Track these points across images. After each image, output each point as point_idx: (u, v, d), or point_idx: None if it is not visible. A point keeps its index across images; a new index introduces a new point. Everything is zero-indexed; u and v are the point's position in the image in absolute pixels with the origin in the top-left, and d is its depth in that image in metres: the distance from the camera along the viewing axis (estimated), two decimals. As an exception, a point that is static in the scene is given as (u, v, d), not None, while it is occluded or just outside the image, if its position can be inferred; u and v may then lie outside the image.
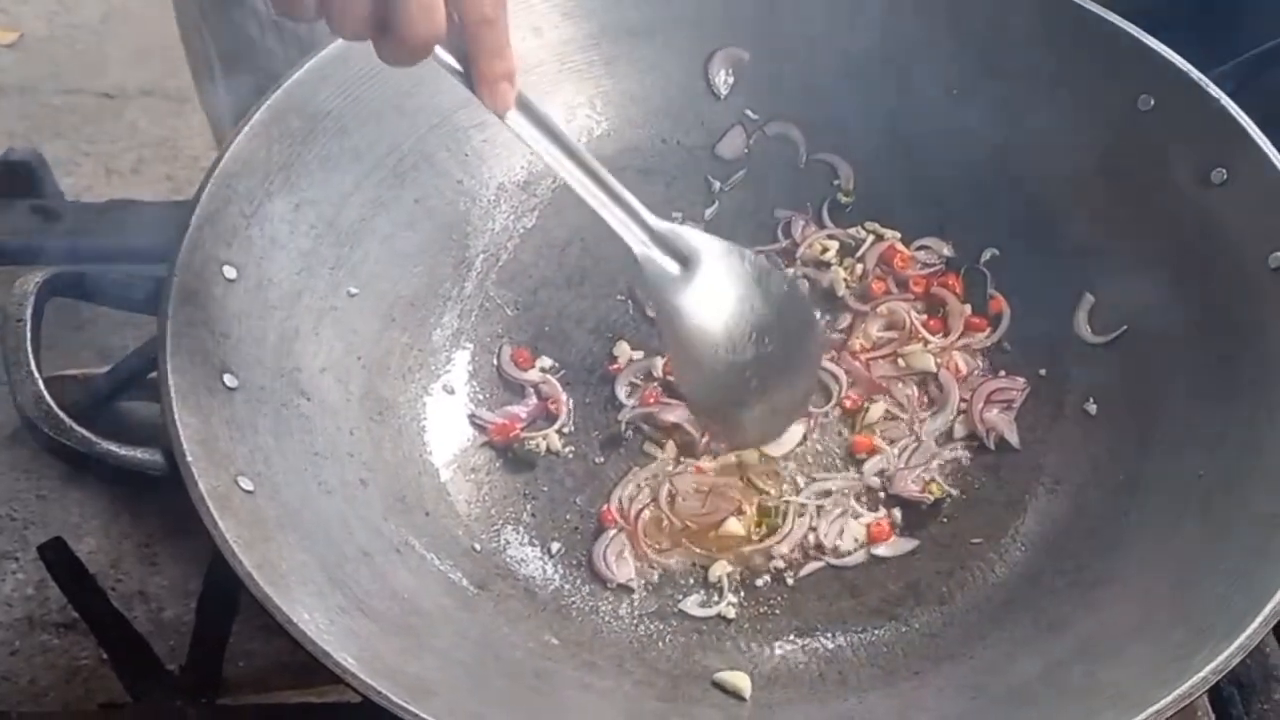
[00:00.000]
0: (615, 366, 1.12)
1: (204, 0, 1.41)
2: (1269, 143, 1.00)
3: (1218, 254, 1.02)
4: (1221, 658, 0.78)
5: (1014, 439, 1.08)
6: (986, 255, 1.17)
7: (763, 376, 0.98)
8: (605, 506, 1.04)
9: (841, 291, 1.17)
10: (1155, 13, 1.09)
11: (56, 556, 0.97)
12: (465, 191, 1.13)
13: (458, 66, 0.80)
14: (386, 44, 0.76)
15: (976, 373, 1.12)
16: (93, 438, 0.83)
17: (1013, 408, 1.09)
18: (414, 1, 0.73)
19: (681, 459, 1.07)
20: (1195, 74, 1.04)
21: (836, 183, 1.21)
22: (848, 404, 1.10)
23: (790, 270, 1.18)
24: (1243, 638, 0.79)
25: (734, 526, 1.03)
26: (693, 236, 0.94)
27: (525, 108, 0.85)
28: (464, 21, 0.77)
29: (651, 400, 1.10)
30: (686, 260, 0.94)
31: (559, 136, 0.87)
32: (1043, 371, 1.11)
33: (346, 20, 0.75)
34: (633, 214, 0.92)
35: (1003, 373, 1.12)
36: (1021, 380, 1.11)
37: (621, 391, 1.11)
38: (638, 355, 1.13)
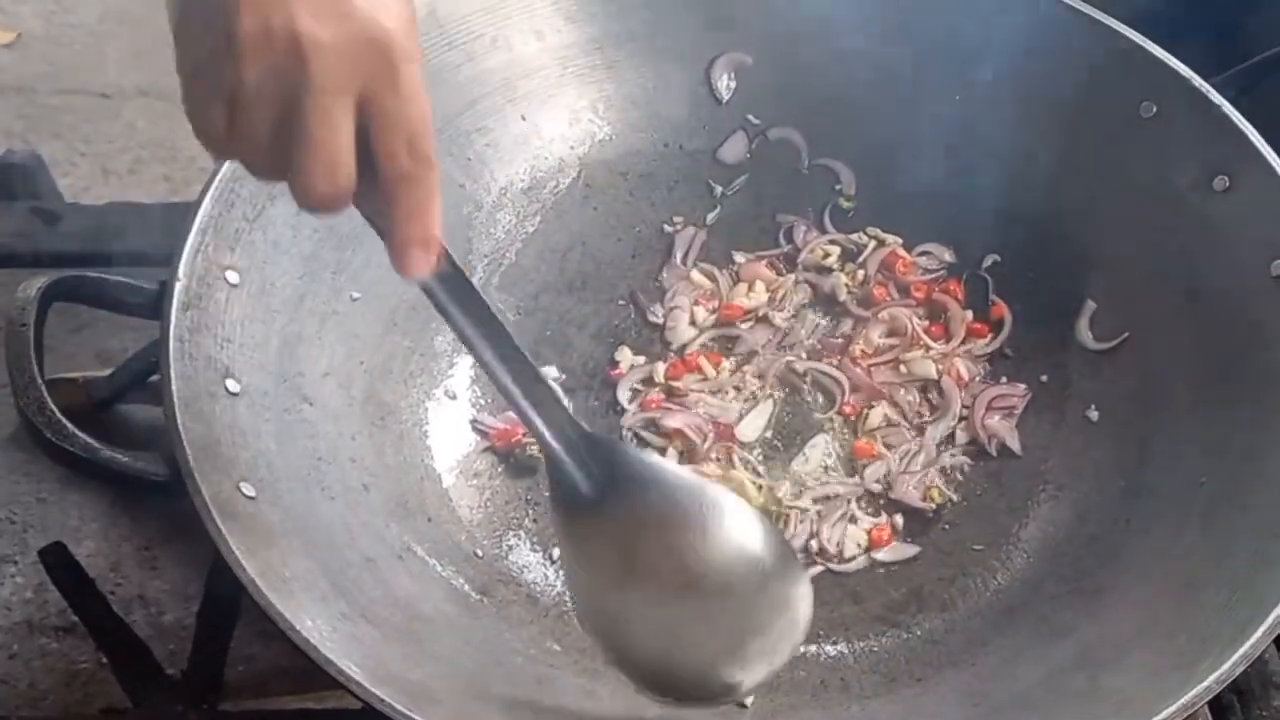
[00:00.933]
0: (617, 371, 1.12)
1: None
2: (1271, 150, 1.00)
3: (1219, 261, 1.02)
4: (1225, 667, 0.78)
5: (1015, 446, 1.08)
6: (988, 261, 1.17)
7: (696, 634, 0.80)
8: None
9: (843, 296, 1.17)
10: (1157, 19, 1.09)
11: (56, 560, 0.97)
12: (467, 196, 1.13)
13: (375, 222, 0.71)
14: (293, 194, 0.67)
15: (978, 379, 1.12)
16: (95, 443, 0.82)
17: (1014, 414, 1.09)
18: (316, 160, 0.64)
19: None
20: (1197, 81, 1.04)
21: (838, 187, 1.22)
22: (847, 410, 1.10)
23: (792, 276, 1.18)
24: (1246, 646, 0.79)
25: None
26: (628, 455, 0.81)
27: (446, 280, 0.74)
28: (381, 176, 0.66)
29: (653, 405, 1.09)
30: (606, 481, 0.79)
31: (482, 315, 0.76)
32: (1044, 378, 1.11)
33: (253, 167, 0.67)
34: (554, 413, 0.78)
35: (1004, 379, 1.12)
36: (1023, 387, 1.11)
37: (624, 396, 1.11)
38: (639, 360, 1.13)
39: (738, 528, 0.80)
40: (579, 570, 0.82)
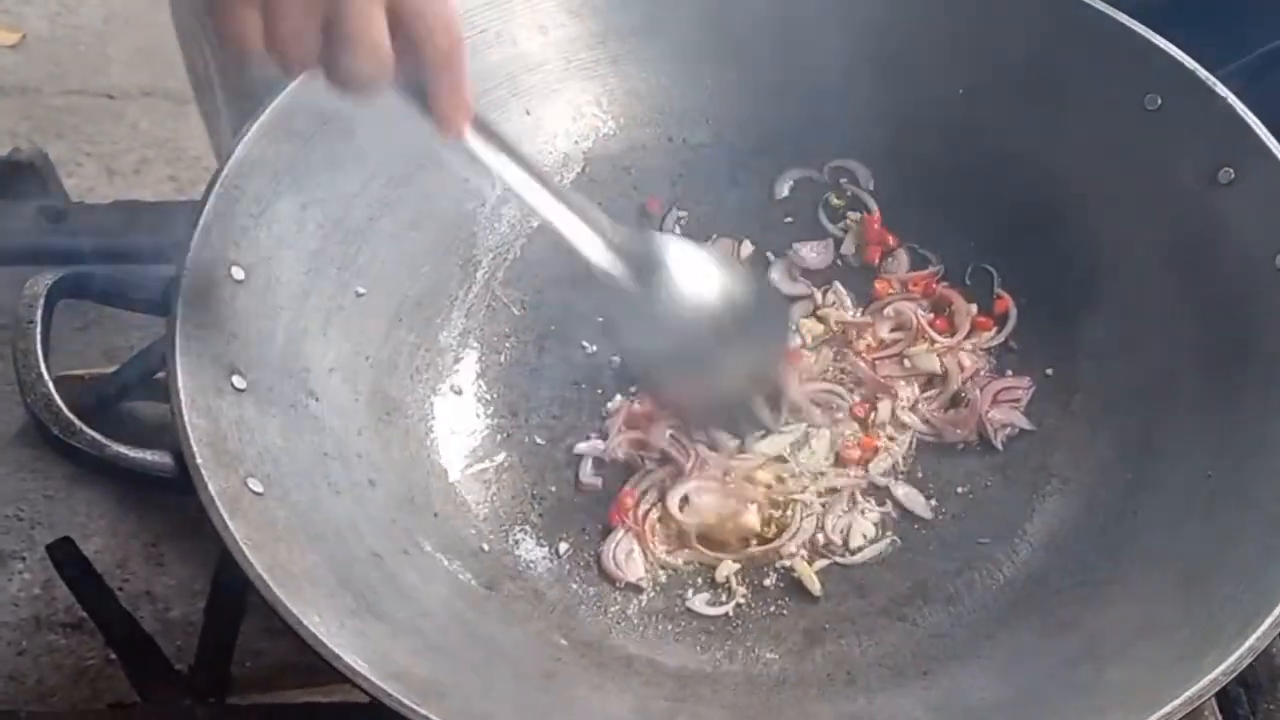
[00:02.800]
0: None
1: (199, 7, 1.41)
2: (1277, 142, 1.00)
3: (1225, 253, 1.02)
4: (1231, 659, 0.78)
5: (1026, 425, 1.08)
6: (993, 254, 1.16)
7: (728, 370, 1.01)
8: (613, 505, 1.04)
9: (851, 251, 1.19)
10: (1162, 12, 1.09)
11: (64, 556, 0.97)
12: (472, 191, 1.13)
13: (412, 97, 0.80)
14: (334, 80, 0.76)
15: (983, 372, 1.12)
16: (103, 440, 0.82)
17: (1020, 406, 1.09)
18: (361, 45, 0.73)
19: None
20: (1203, 73, 1.04)
21: (826, 195, 1.22)
22: (858, 411, 1.10)
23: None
24: (1253, 639, 0.79)
25: (750, 519, 1.03)
26: (655, 243, 0.95)
27: (480, 128, 0.85)
28: (421, 59, 0.76)
29: (637, 422, 1.09)
30: (648, 269, 0.94)
31: (514, 152, 0.87)
32: (1049, 371, 1.11)
33: (292, 56, 0.74)
34: (594, 225, 0.91)
35: (1009, 373, 1.12)
36: (1028, 380, 1.11)
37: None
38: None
39: (744, 285, 1.00)
40: (633, 342, 1.01)
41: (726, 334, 0.97)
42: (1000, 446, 1.08)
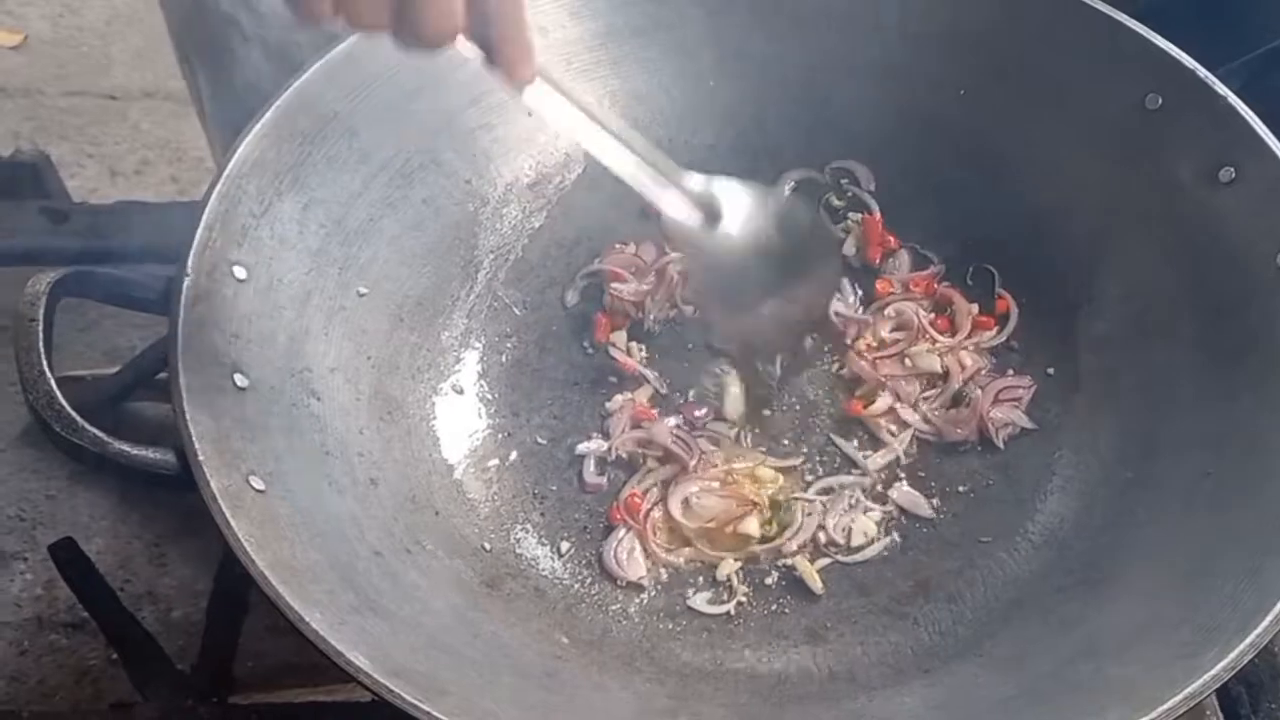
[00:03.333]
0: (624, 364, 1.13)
1: (192, 19, 1.41)
2: (1277, 141, 1.00)
3: (1225, 252, 1.02)
4: (1231, 656, 0.78)
5: (1028, 424, 1.08)
6: (994, 254, 1.16)
7: (784, 295, 1.04)
8: (615, 504, 1.04)
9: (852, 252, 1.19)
10: (1163, 11, 1.09)
11: (67, 556, 0.98)
12: (473, 192, 1.14)
13: (478, 51, 0.81)
14: (406, 37, 0.78)
15: (984, 371, 1.12)
16: (105, 438, 0.83)
17: (1021, 405, 1.10)
18: (432, 10, 0.75)
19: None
20: (1203, 72, 1.04)
21: (826, 196, 1.22)
22: (856, 409, 1.10)
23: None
24: (1253, 636, 0.79)
25: (750, 526, 1.03)
26: (718, 186, 0.96)
27: (544, 79, 0.85)
28: (485, 9, 0.78)
29: (637, 421, 1.09)
30: (713, 210, 0.95)
31: (579, 103, 0.87)
32: (1050, 371, 1.11)
33: (365, 16, 0.76)
34: (667, 174, 0.92)
35: (1010, 372, 1.12)
36: (1029, 379, 1.11)
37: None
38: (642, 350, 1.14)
39: (800, 218, 1.06)
40: (703, 278, 1.05)
41: (785, 268, 1.01)
42: (1002, 445, 1.08)
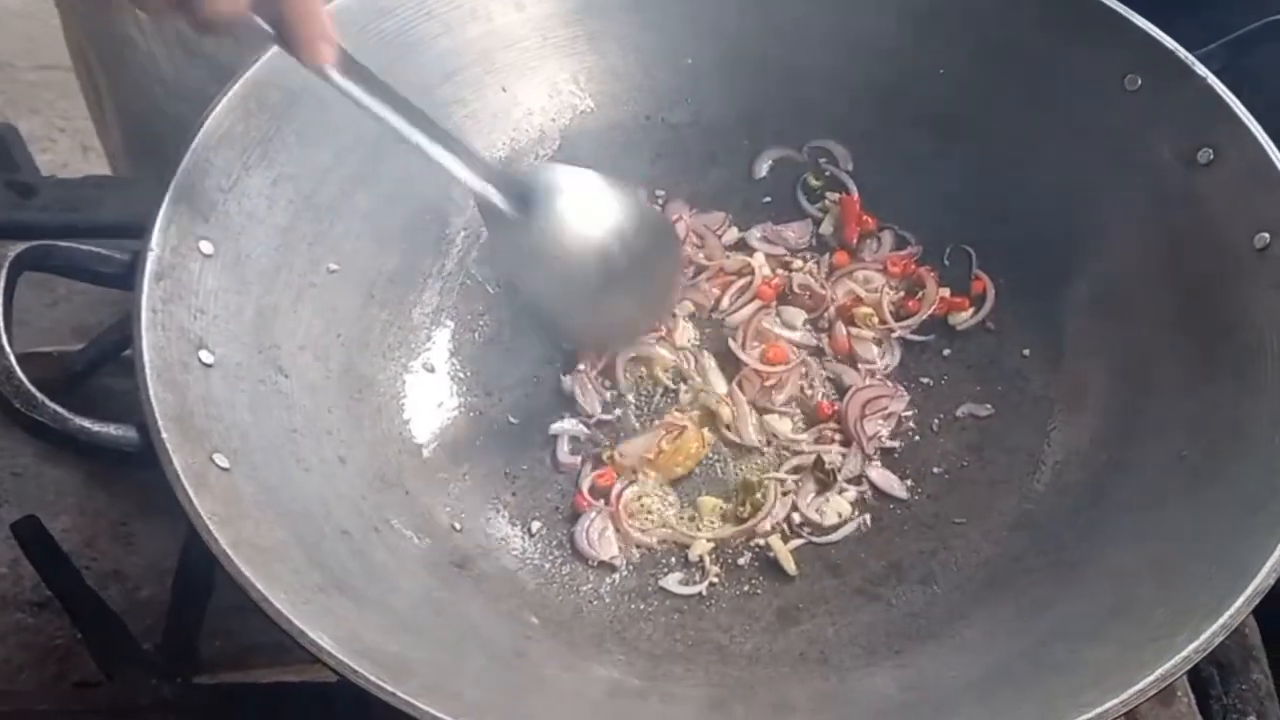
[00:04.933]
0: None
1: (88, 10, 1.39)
2: (1255, 123, 1.00)
3: (1204, 234, 1.01)
4: (1204, 637, 0.78)
5: (895, 488, 1.05)
6: (971, 236, 1.16)
7: (618, 293, 1.01)
8: (577, 493, 1.04)
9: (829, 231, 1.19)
10: (1143, -9, 1.08)
11: (30, 534, 0.96)
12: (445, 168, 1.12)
13: (270, 30, 0.83)
14: (192, 20, 0.79)
15: (878, 371, 1.11)
16: (65, 413, 0.81)
17: (893, 418, 1.08)
18: None
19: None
20: (1183, 53, 1.03)
21: (804, 176, 1.21)
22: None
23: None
24: (1225, 617, 0.79)
25: (690, 440, 1.04)
26: (534, 174, 0.98)
27: (346, 64, 0.87)
28: None
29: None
30: (527, 199, 0.94)
31: (385, 88, 0.89)
32: (1026, 352, 1.11)
33: (150, 5, 0.80)
34: (469, 158, 0.93)
35: (897, 386, 1.11)
36: (903, 390, 1.10)
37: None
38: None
39: (625, 208, 0.99)
40: (520, 277, 1.03)
41: (617, 261, 0.98)
42: (871, 454, 1.07)
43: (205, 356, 0.89)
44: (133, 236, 0.93)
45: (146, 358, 0.84)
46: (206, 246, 0.93)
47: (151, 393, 0.82)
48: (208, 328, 0.90)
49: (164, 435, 0.80)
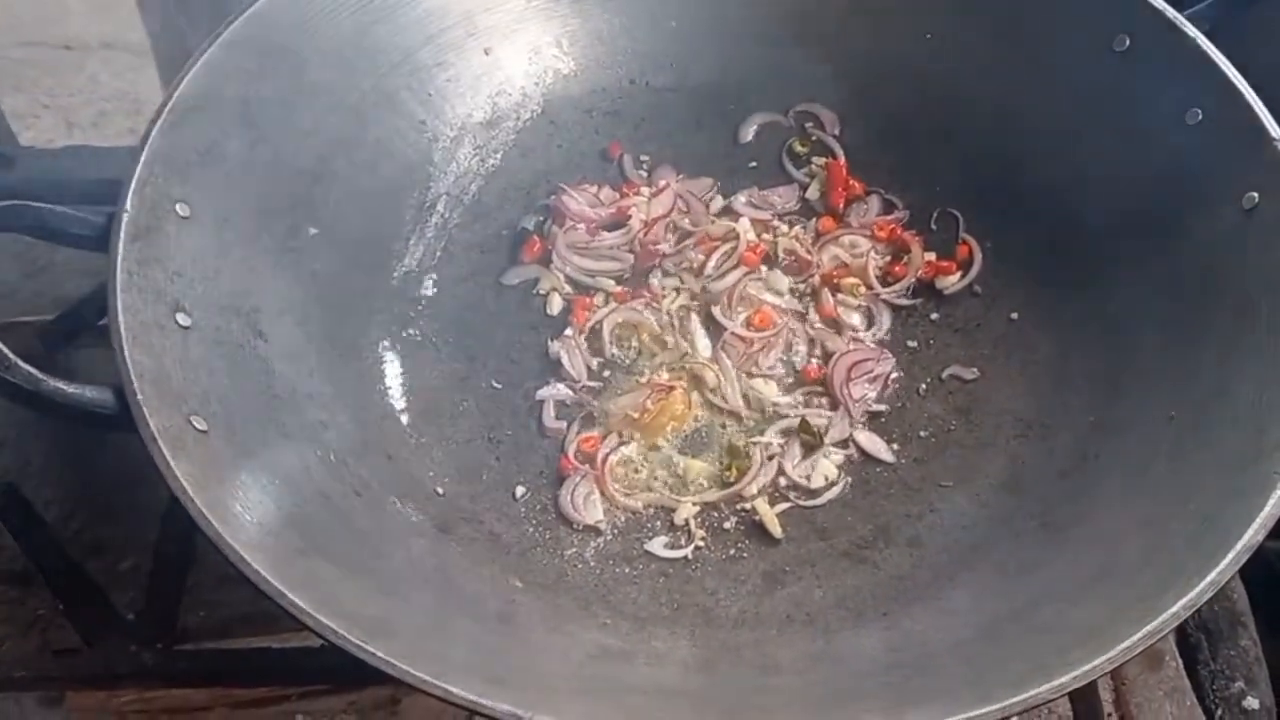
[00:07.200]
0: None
1: None
2: (1245, 83, 0.99)
3: (1192, 194, 1.01)
4: (1191, 594, 0.77)
5: (882, 452, 1.04)
6: (959, 198, 1.15)
7: None
8: (562, 456, 1.03)
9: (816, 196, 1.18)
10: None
11: (9, 503, 0.95)
12: (428, 131, 1.11)
13: None
14: None
15: (858, 336, 1.10)
16: (39, 375, 0.80)
17: (879, 381, 1.07)
18: None
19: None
20: (1171, 14, 1.02)
21: (789, 141, 1.20)
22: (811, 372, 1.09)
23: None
24: (1213, 574, 0.78)
25: (676, 401, 1.03)
26: None
27: None
28: None
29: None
30: None
31: None
32: (1014, 315, 1.10)
33: None
34: None
35: (883, 349, 1.10)
36: (889, 354, 1.09)
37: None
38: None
39: None
40: None
41: None
42: (863, 423, 1.06)
43: (182, 319, 0.88)
44: (110, 203, 0.92)
45: (122, 319, 0.83)
46: (183, 209, 0.91)
47: (127, 353, 0.81)
48: (185, 290, 0.89)
49: (139, 396, 0.79)
